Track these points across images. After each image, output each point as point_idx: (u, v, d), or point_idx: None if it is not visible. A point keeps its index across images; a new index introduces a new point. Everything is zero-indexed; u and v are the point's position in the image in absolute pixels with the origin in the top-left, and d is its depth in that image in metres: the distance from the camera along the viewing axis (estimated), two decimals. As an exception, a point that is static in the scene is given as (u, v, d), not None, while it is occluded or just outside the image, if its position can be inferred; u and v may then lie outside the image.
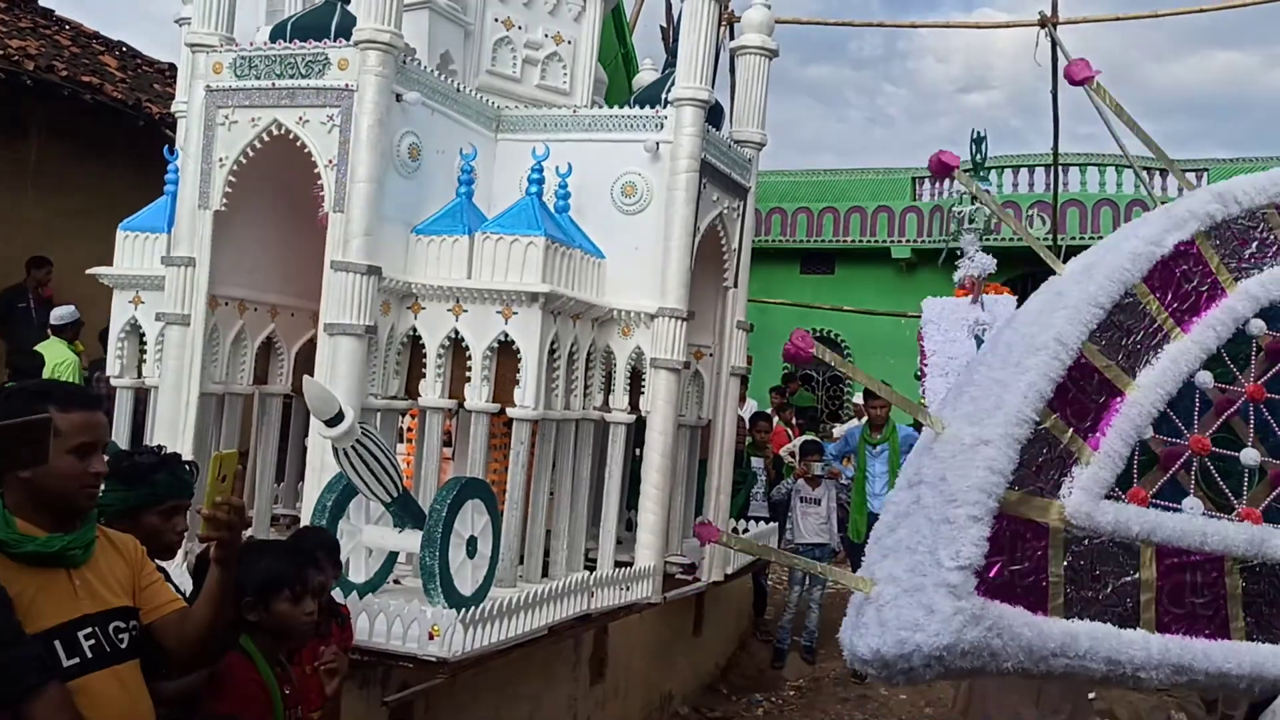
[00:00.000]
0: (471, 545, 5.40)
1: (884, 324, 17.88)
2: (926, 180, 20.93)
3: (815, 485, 9.89)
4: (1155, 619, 3.03)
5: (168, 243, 6.71)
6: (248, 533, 6.56)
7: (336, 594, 4.61)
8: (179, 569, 4.14)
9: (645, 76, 9.22)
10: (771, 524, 9.62)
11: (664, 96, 7.07)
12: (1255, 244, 3.44)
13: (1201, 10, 11.64)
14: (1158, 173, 17.94)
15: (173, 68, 11.38)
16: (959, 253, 6.83)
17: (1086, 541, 2.98)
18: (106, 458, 3.02)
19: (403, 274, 6.28)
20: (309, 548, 3.90)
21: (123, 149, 11.31)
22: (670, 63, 7.64)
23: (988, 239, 11.97)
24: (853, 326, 20.13)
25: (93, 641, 2.80)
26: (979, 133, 12.83)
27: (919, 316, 6.83)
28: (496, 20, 7.61)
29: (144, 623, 2.98)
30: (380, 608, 5.00)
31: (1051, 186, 17.41)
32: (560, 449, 6.62)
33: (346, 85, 5.96)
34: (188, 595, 3.35)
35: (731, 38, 8.91)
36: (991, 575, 2.78)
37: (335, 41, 6.08)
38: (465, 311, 6.24)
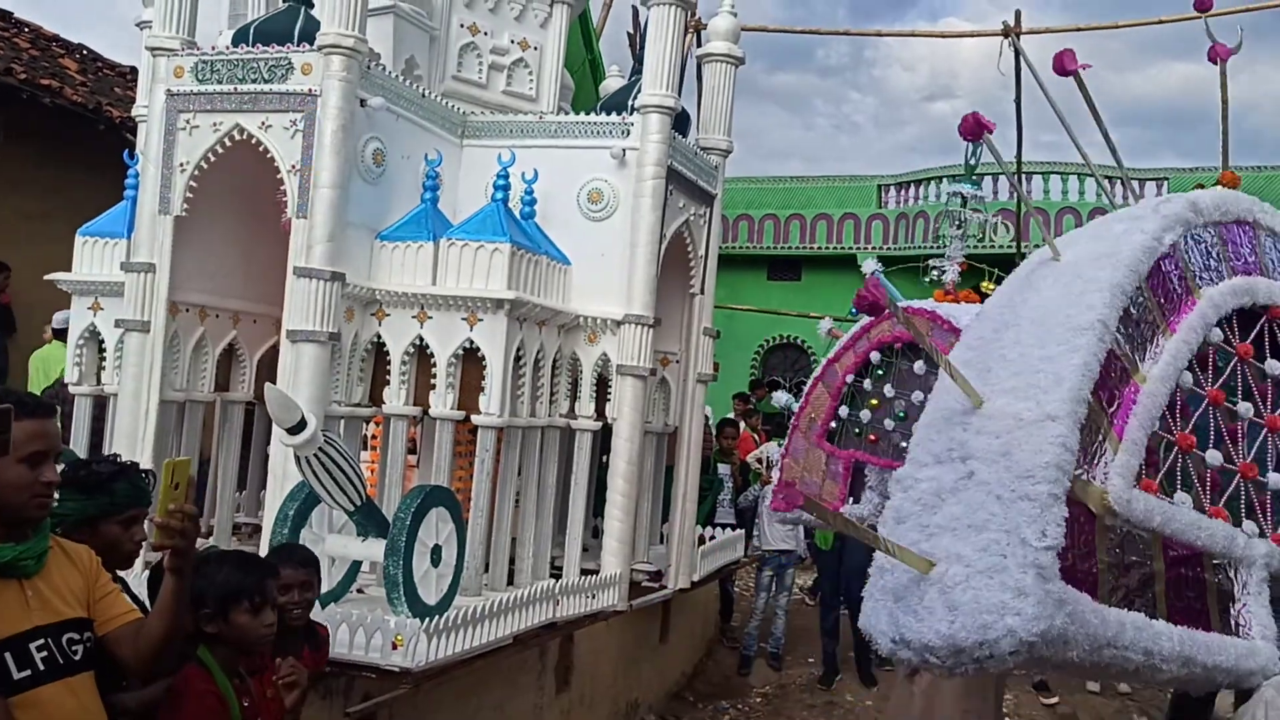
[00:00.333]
0: (436, 554, 5.35)
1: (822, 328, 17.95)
2: (892, 188, 21.07)
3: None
4: (1167, 611, 3.04)
5: (127, 248, 6.63)
6: (209, 542, 6.50)
7: (319, 614, 4.54)
8: (139, 579, 4.08)
9: (612, 83, 9.22)
10: (738, 531, 9.63)
11: (630, 103, 7.07)
12: (1210, 256, 3.52)
13: (1160, 21, 11.82)
14: (1119, 181, 18.14)
15: (134, 71, 11.23)
16: (926, 262, 6.89)
17: (1118, 530, 2.97)
18: (63, 466, 2.97)
19: (367, 280, 6.24)
20: (280, 567, 3.85)
21: (82, 153, 11.16)
22: (637, 69, 7.64)
23: (978, 246, 11.95)
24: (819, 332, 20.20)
25: (45, 653, 2.75)
26: (980, 145, 12.81)
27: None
28: (462, 26, 7.59)
29: (99, 634, 2.93)
30: (343, 617, 4.95)
31: (1015, 194, 17.57)
32: (526, 456, 6.59)
33: (310, 90, 5.91)
34: (146, 607, 3.30)
35: (698, 45, 8.94)
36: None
37: (299, 46, 6.02)
38: (430, 318, 6.20)
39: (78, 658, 2.84)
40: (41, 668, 2.73)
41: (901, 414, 5.01)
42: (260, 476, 7.29)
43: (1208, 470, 3.28)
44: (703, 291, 7.87)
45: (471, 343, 6.11)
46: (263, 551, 5.00)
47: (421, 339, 6.22)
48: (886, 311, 2.79)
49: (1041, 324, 3.07)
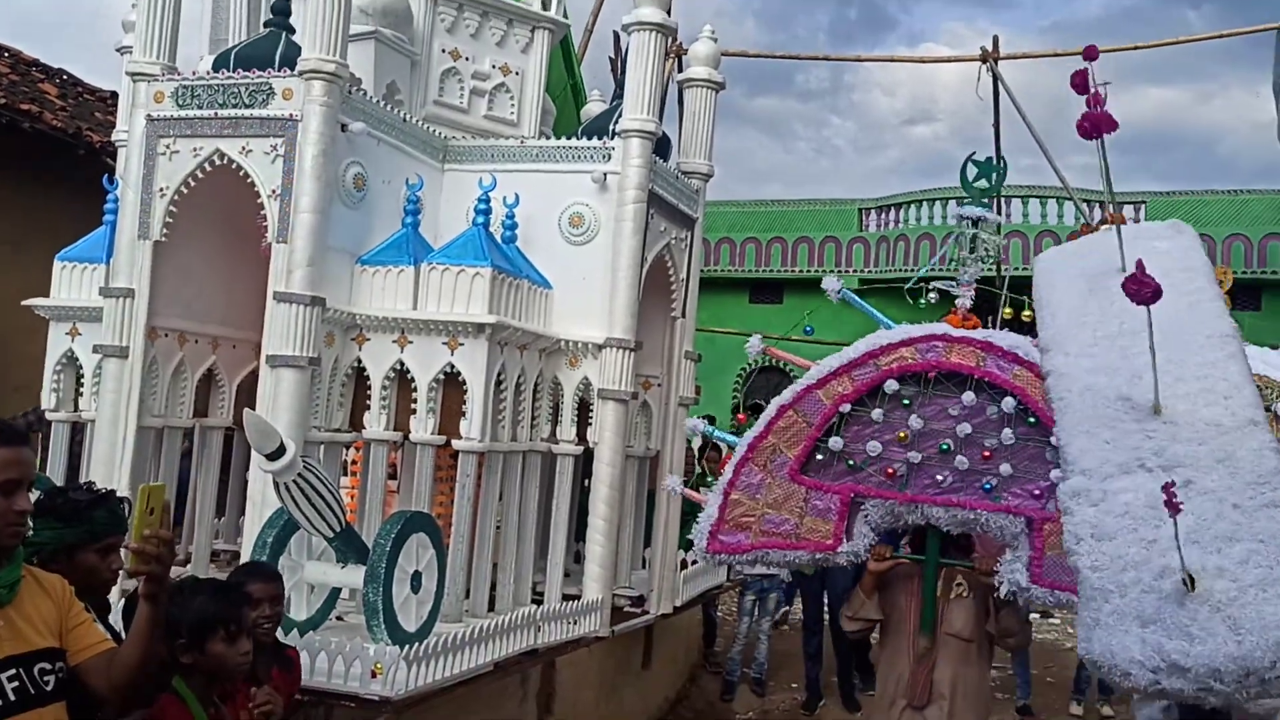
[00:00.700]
0: (416, 580, 5.32)
1: (824, 353, 17.99)
2: (873, 211, 21.18)
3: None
4: None
5: (106, 273, 6.59)
6: (186, 569, 6.44)
7: (296, 641, 4.50)
8: (116, 610, 4.03)
9: (593, 108, 9.26)
10: (721, 554, 9.59)
11: (612, 128, 7.10)
12: None
13: (1135, 47, 11.94)
14: (1097, 204, 18.29)
15: (115, 96, 11.21)
16: (927, 283, 6.78)
17: None
18: (39, 494, 2.94)
19: (347, 305, 6.22)
20: (245, 583, 3.82)
21: (62, 178, 11.12)
22: (618, 94, 7.67)
23: (990, 271, 11.89)
24: (803, 356, 20.25)
25: (16, 684, 2.72)
26: (1002, 162, 12.81)
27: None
28: (444, 51, 7.61)
29: (71, 664, 2.89)
30: (322, 645, 4.90)
31: (998, 213, 17.68)
32: (507, 481, 6.57)
33: (291, 115, 5.91)
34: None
35: (679, 70, 8.98)
36: None
37: (280, 71, 6.03)
38: (410, 343, 6.18)
39: (49, 688, 2.80)
40: (13, 698, 2.70)
41: (946, 446, 4.62)
42: (239, 503, 7.23)
43: None
44: (684, 315, 7.88)
45: (452, 367, 6.10)
46: (241, 579, 4.95)
47: (402, 363, 6.20)
48: (903, 340, 2.84)
49: (1174, 333, 3.06)
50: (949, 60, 14.13)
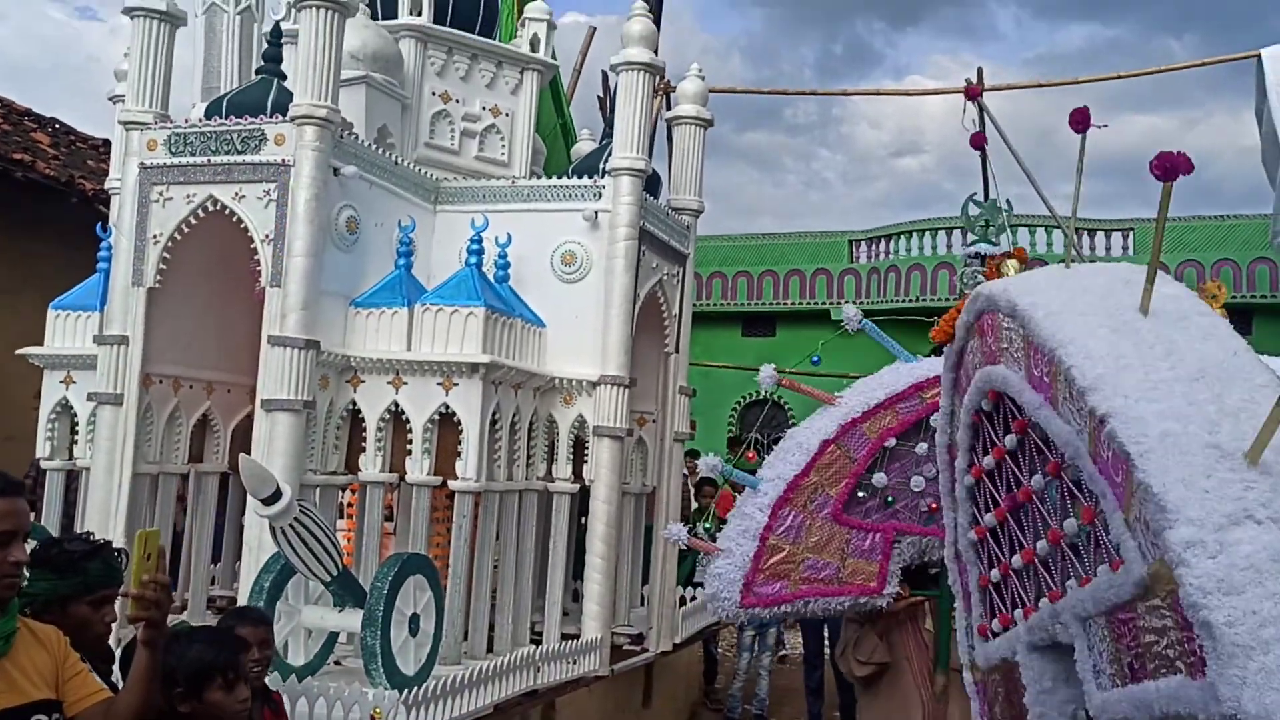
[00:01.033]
0: (414, 623, 5.29)
1: (826, 385, 17.99)
2: (863, 243, 21.29)
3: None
4: None
5: (100, 321, 6.61)
6: (182, 617, 6.40)
7: (273, 679, 4.49)
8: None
9: (583, 146, 9.33)
10: (720, 590, 9.55)
11: (602, 166, 7.15)
12: None
13: (1119, 76, 12.06)
14: (1085, 233, 18.41)
15: (107, 143, 11.27)
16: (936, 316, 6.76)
17: None
18: (34, 544, 2.93)
19: (341, 347, 6.23)
20: (235, 627, 3.79)
21: (55, 226, 11.14)
22: (608, 133, 7.74)
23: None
24: (813, 387, 20.24)
25: (13, 737, 2.70)
26: (1004, 201, 12.84)
27: (860, 377, 6.81)
28: (434, 94, 7.68)
29: (68, 715, 2.87)
30: (320, 691, 4.87)
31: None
32: (504, 521, 6.56)
33: (283, 160, 5.95)
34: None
35: (668, 108, 9.05)
36: None
37: (271, 117, 6.08)
38: (405, 384, 6.19)
39: (47, 740, 2.78)
40: (10, 752, 2.68)
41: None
42: (235, 548, 7.20)
43: None
44: (678, 350, 7.90)
45: (447, 407, 6.11)
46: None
47: (397, 405, 6.20)
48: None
49: (1227, 380, 3.09)
50: (934, 93, 14.26)
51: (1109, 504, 3.20)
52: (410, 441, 6.14)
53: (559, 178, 7.24)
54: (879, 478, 4.82)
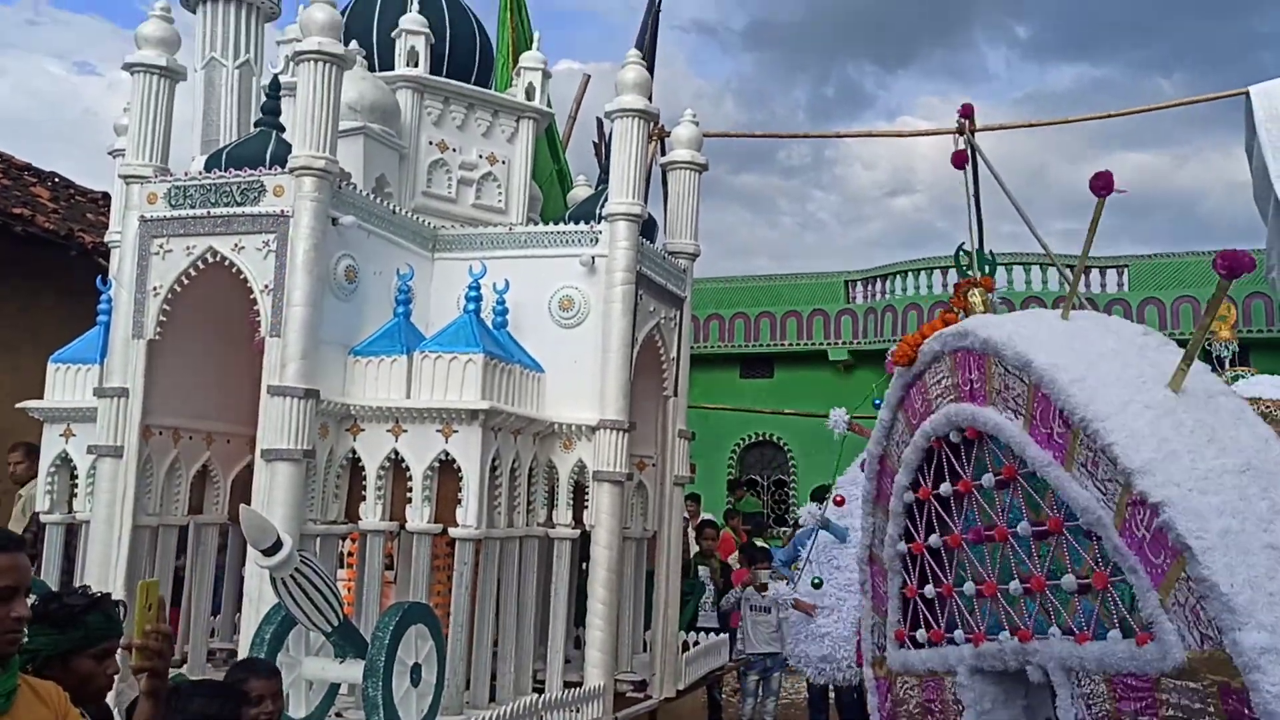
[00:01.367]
0: (416, 673, 5.25)
1: (824, 425, 17.99)
2: (859, 283, 21.38)
3: (764, 593, 9.81)
4: None
5: (100, 373, 6.62)
6: (181, 670, 6.36)
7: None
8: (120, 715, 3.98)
9: (579, 192, 9.40)
10: (722, 635, 9.51)
11: (598, 211, 7.20)
12: None
13: (1109, 115, 12.18)
14: (1078, 282, 18.44)
15: (106, 196, 11.34)
16: None
17: None
18: (34, 599, 2.92)
19: (341, 396, 6.24)
20: (244, 680, 3.78)
21: (54, 280, 11.19)
22: (603, 179, 7.80)
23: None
24: (795, 429, 20.26)
25: (15, 796, 2.68)
26: (990, 254, 12.88)
27: (860, 417, 6.85)
28: (431, 143, 7.75)
29: (70, 773, 2.85)
30: (322, 743, 4.83)
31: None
32: (505, 568, 6.53)
33: (282, 211, 6.00)
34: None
35: (663, 152, 9.14)
36: None
37: (270, 169, 6.13)
38: (405, 431, 6.20)
39: (48, 798, 2.76)
40: (11, 810, 2.66)
41: None
42: (235, 599, 7.17)
43: None
44: (676, 394, 7.91)
45: (447, 454, 6.11)
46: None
47: (397, 453, 6.20)
48: None
49: (1269, 471, 3.27)
50: (926, 134, 14.40)
51: (1139, 580, 3.28)
52: (410, 489, 6.14)
53: (556, 224, 7.28)
54: None
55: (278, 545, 4.64)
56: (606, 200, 7.14)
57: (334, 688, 5.61)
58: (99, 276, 7.42)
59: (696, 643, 8.96)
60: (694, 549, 10.69)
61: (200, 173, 6.38)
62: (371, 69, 7.78)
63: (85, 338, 7.25)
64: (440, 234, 7.28)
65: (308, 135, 5.97)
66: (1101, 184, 3.82)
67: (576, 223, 7.19)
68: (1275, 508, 3.13)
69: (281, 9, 8.24)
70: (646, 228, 7.31)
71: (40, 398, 7.14)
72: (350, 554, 7.18)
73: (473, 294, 6.51)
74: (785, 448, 21.16)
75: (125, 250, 6.38)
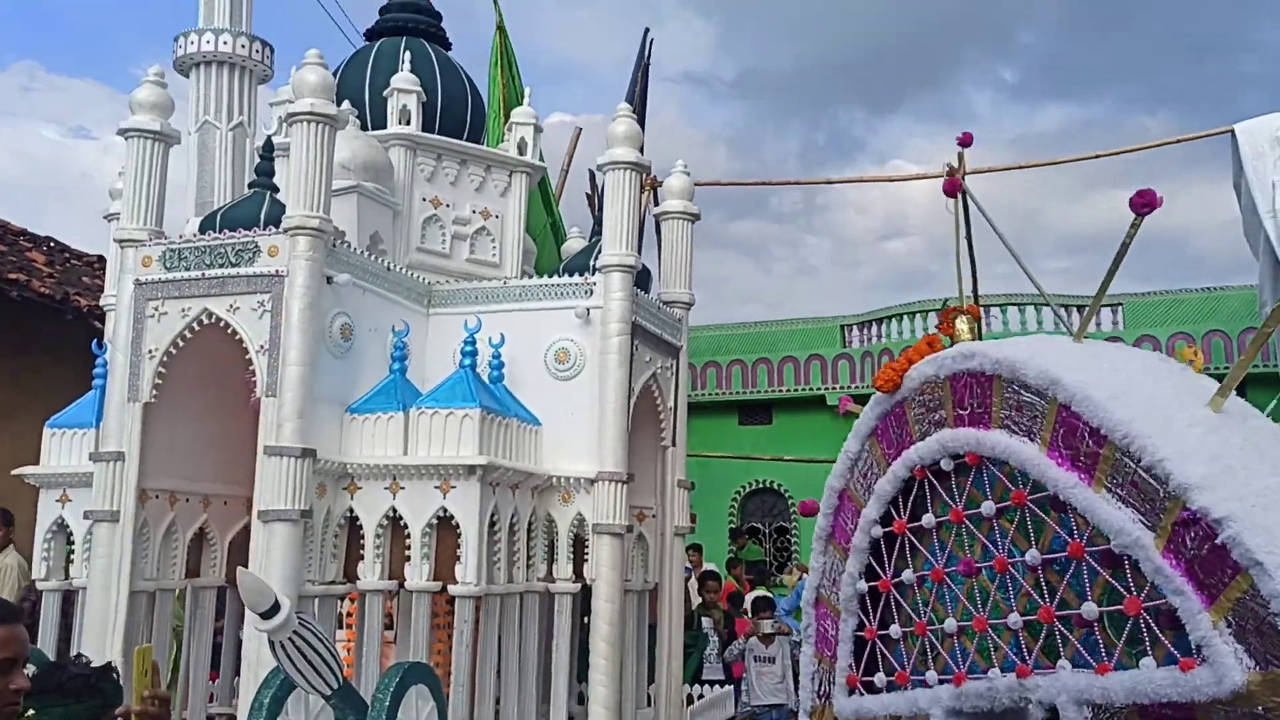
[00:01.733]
0: (417, 734, 5.18)
1: (826, 471, 17.90)
2: (855, 327, 21.41)
3: (769, 643, 9.71)
4: None
5: (96, 438, 6.60)
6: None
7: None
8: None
9: (573, 244, 9.43)
10: (727, 687, 9.40)
11: (592, 263, 7.23)
12: None
13: (1098, 155, 12.28)
14: (1075, 309, 18.53)
15: (102, 259, 11.37)
16: None
17: None
18: (32, 670, 2.90)
19: (338, 454, 6.22)
20: None
21: (50, 343, 11.19)
22: (597, 230, 7.83)
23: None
24: (795, 475, 20.19)
25: None
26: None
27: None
28: (424, 199, 7.80)
29: None
30: (323, 809, 4.76)
31: (976, 327, 17.83)
32: (505, 624, 6.47)
33: (277, 271, 6.02)
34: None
35: (655, 202, 9.19)
36: None
37: (265, 229, 6.16)
38: (403, 489, 6.17)
39: None
40: None
41: None
42: (234, 663, 7.09)
43: None
44: (674, 443, 7.89)
45: (445, 511, 6.07)
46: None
47: (395, 510, 6.17)
48: None
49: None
50: (917, 178, 14.48)
51: (1187, 602, 3.18)
52: (409, 547, 6.10)
53: (550, 276, 7.31)
54: None
55: (276, 608, 4.59)
56: (600, 252, 7.16)
57: (335, 752, 5.53)
58: (94, 340, 7.43)
59: (701, 695, 8.86)
60: (696, 600, 10.60)
61: (195, 235, 6.41)
62: (364, 128, 7.84)
63: (81, 402, 7.24)
64: (435, 289, 7.30)
65: (302, 195, 6.01)
66: (1143, 201, 3.72)
67: (571, 275, 7.21)
68: None
69: (274, 71, 8.36)
70: (641, 278, 7.33)
71: (36, 463, 7.11)
72: (349, 614, 7.11)
73: (468, 348, 6.51)
74: (786, 494, 21.06)
75: (120, 313, 6.39)
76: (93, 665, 3.52)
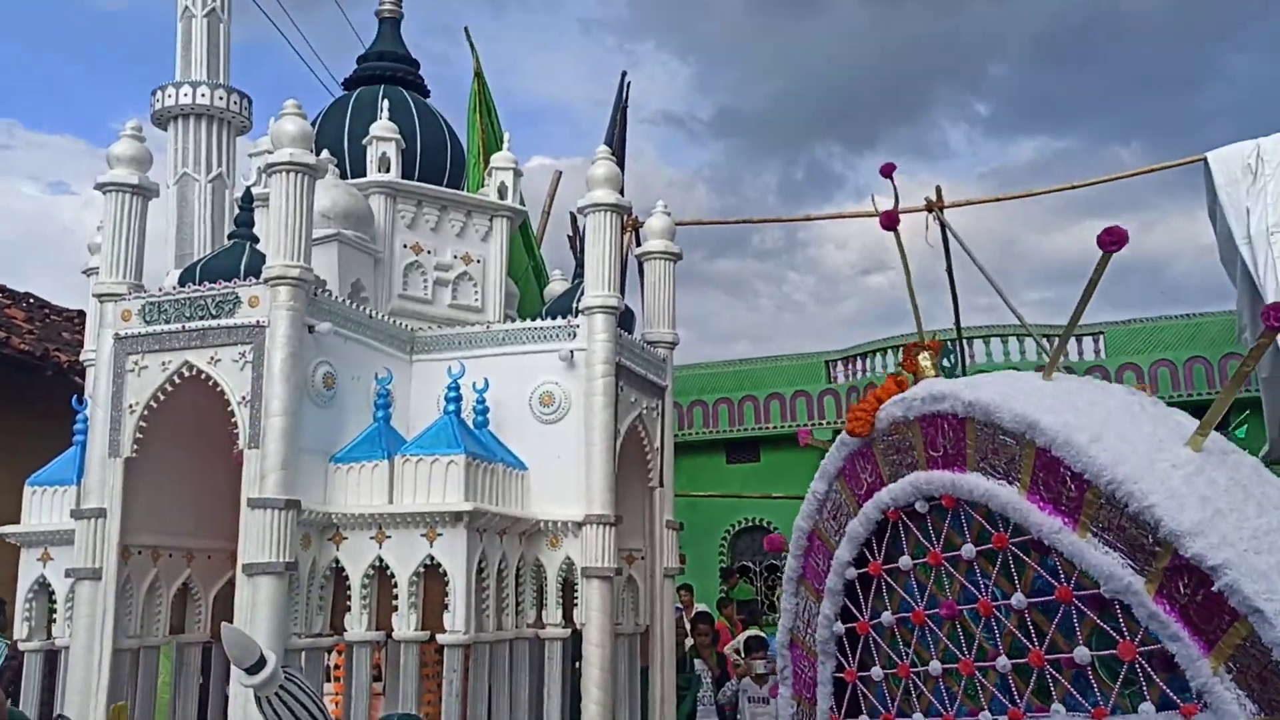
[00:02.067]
0: (408, 787, 5.10)
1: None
2: (839, 363, 21.45)
3: (762, 683, 9.62)
4: None
5: (78, 495, 6.53)
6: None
7: None
8: None
9: (556, 287, 9.43)
10: (722, 728, 9.30)
11: (575, 305, 7.22)
12: None
13: (1073, 186, 12.37)
14: (1057, 339, 18.57)
15: (81, 315, 11.32)
16: None
17: None
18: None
19: (323, 505, 6.16)
20: None
21: (30, 400, 11.10)
22: (579, 272, 7.84)
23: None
24: (785, 512, 20.10)
25: None
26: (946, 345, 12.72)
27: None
28: (405, 246, 7.80)
29: None
30: None
31: (959, 359, 17.90)
32: (495, 672, 6.40)
33: (258, 321, 5.99)
34: None
35: (637, 243, 9.21)
36: None
37: (245, 280, 6.14)
38: (388, 537, 6.11)
39: None
40: None
41: None
42: None
43: None
44: (662, 484, 7.85)
45: (432, 559, 6.02)
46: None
47: (381, 559, 6.11)
48: None
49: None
50: (896, 213, 14.57)
51: (1184, 648, 3.15)
52: (396, 597, 6.03)
53: (533, 319, 7.30)
54: None
55: (261, 663, 4.53)
56: (583, 294, 7.16)
57: (324, 808, 5.43)
58: (75, 396, 7.36)
59: (696, 738, 8.75)
60: (690, 640, 10.51)
61: (175, 287, 6.38)
62: (344, 176, 7.85)
63: (62, 458, 7.17)
64: (418, 336, 7.28)
65: (282, 244, 5.99)
66: (1111, 239, 3.71)
67: (554, 318, 7.20)
68: None
69: (252, 122, 8.38)
70: (624, 319, 7.33)
71: (17, 522, 7.02)
72: (337, 667, 7.02)
73: (452, 394, 6.48)
74: (776, 531, 20.96)
75: (100, 368, 6.34)
76: None
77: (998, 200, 13.80)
